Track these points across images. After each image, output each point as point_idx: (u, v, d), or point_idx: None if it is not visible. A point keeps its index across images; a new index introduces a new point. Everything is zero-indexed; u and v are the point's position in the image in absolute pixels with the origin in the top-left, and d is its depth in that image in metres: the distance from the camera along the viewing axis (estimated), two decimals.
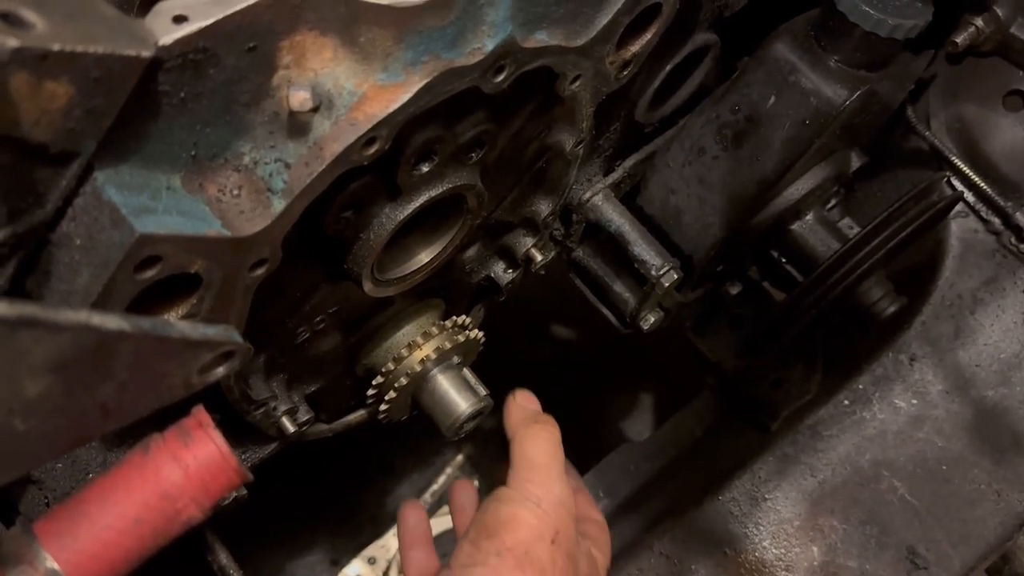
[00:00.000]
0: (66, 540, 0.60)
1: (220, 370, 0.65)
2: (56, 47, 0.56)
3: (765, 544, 1.31)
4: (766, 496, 1.33)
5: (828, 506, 1.31)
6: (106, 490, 0.62)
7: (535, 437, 0.94)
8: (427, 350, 1.10)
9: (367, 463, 1.91)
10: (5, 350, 0.49)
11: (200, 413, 0.65)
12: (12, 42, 0.53)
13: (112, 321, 0.54)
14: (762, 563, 1.29)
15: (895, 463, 1.32)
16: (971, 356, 1.35)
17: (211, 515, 0.67)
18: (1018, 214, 1.34)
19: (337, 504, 1.90)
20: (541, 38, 0.83)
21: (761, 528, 1.32)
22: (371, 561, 1.85)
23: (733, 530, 1.32)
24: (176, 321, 0.71)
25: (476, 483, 1.23)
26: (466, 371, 1.14)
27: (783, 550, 1.30)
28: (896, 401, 1.35)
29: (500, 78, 0.81)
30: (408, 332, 1.12)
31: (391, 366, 1.10)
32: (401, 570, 1.73)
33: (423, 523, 1.12)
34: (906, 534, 1.29)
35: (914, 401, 1.34)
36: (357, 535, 1.88)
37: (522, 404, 1.00)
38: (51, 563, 0.59)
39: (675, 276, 1.16)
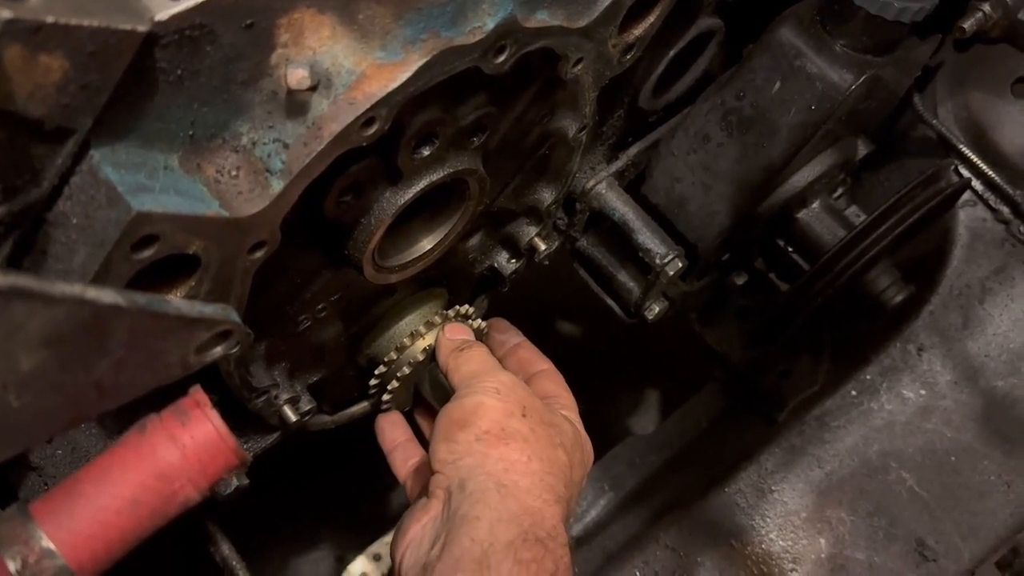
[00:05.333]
0: (62, 520, 0.59)
1: (218, 350, 0.65)
2: (50, 19, 0.55)
3: (772, 536, 1.30)
4: (773, 488, 1.32)
5: (836, 498, 1.30)
6: (102, 470, 0.61)
7: (467, 358, 0.99)
8: (430, 339, 1.09)
9: (373, 459, 1.90)
10: None
11: (198, 393, 0.64)
12: (5, 13, 0.53)
13: (107, 295, 0.53)
14: (769, 555, 1.28)
15: (903, 454, 1.31)
16: (980, 346, 1.33)
17: (208, 497, 0.66)
18: None
19: (343, 500, 1.89)
20: (542, 18, 0.83)
21: (768, 520, 1.31)
22: (376, 558, 1.84)
23: (740, 522, 1.31)
24: (172, 298, 0.70)
25: None
26: None
27: (790, 542, 1.29)
28: (904, 392, 1.34)
29: (501, 58, 0.81)
30: (411, 321, 1.11)
31: (393, 355, 1.09)
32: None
33: (398, 424, 1.13)
34: (915, 526, 1.28)
35: (922, 392, 1.33)
36: (362, 531, 1.87)
37: (450, 337, 1.04)
38: (47, 543, 0.59)
39: (679, 265, 1.15)
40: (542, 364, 1.07)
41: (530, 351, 1.11)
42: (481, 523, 0.80)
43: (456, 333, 1.05)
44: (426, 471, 0.93)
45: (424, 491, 0.91)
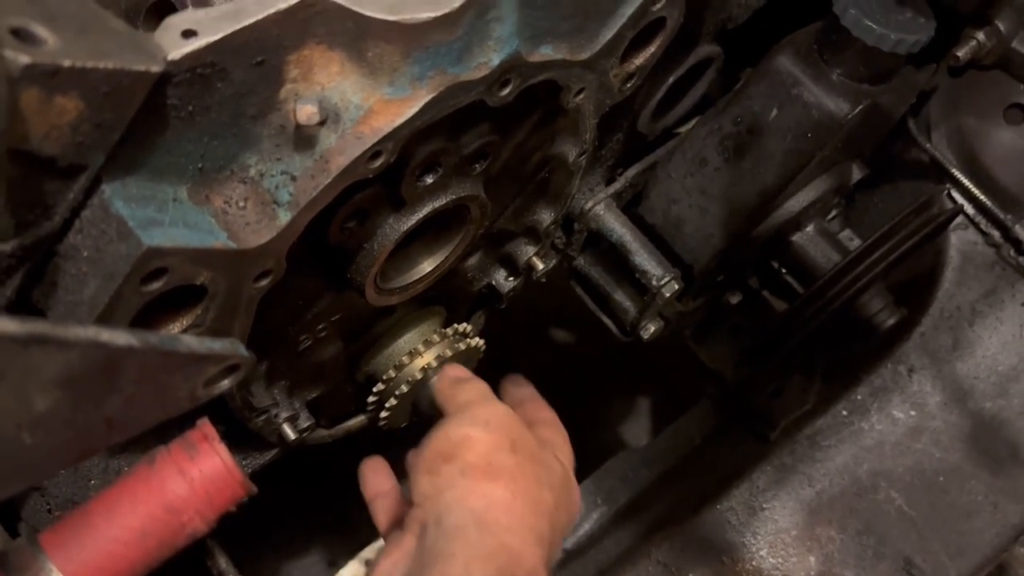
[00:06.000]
0: (72, 552, 0.60)
1: (225, 383, 0.66)
2: (67, 63, 0.56)
3: (762, 553, 1.31)
4: (764, 505, 1.33)
5: (825, 516, 1.32)
6: (111, 502, 0.62)
7: (464, 389, 0.96)
8: (428, 358, 1.10)
9: None
10: (15, 366, 0.49)
11: (205, 426, 0.65)
12: (24, 59, 0.54)
13: (121, 337, 0.54)
14: (759, 572, 1.30)
15: (893, 474, 1.32)
16: (969, 368, 1.35)
17: (215, 526, 0.67)
18: (1017, 227, 1.34)
19: (335, 506, 1.90)
20: (546, 52, 0.84)
21: (759, 537, 1.32)
22: (368, 563, 1.85)
23: (731, 539, 1.33)
24: (183, 336, 0.71)
25: None
26: None
27: (780, 559, 1.30)
28: (894, 412, 1.35)
29: (505, 92, 0.82)
30: (409, 340, 1.12)
31: (392, 373, 1.10)
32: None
33: (381, 471, 1.06)
34: (903, 545, 1.29)
35: (912, 412, 1.35)
36: (354, 537, 1.87)
37: (451, 374, 1.02)
38: (57, 575, 0.60)
39: (676, 286, 1.17)
40: (546, 414, 1.03)
41: (537, 402, 1.07)
42: (456, 560, 0.76)
43: (458, 371, 1.03)
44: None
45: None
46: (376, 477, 1.06)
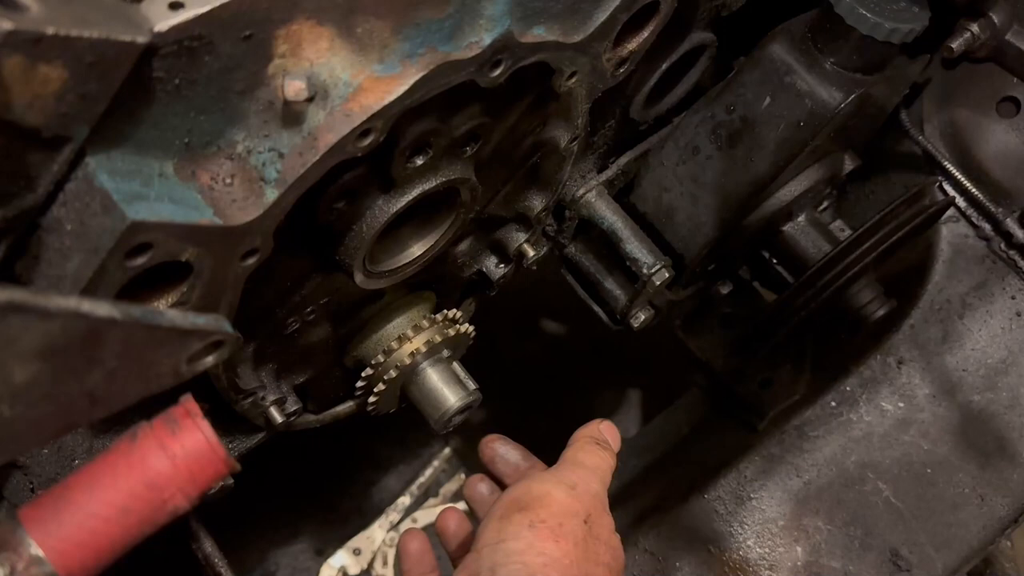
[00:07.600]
0: (51, 527, 0.60)
1: (209, 359, 0.65)
2: (51, 31, 0.55)
3: (749, 543, 1.31)
4: (751, 495, 1.33)
5: (813, 506, 1.32)
6: (92, 477, 0.62)
7: (592, 451, 0.93)
8: (417, 343, 1.10)
9: (354, 454, 1.91)
10: None
11: (188, 402, 0.64)
12: (6, 24, 0.53)
13: (102, 308, 0.53)
14: (746, 562, 1.30)
15: (880, 465, 1.33)
16: (958, 360, 1.35)
17: (197, 504, 0.67)
18: (1008, 220, 1.34)
19: (323, 494, 1.90)
20: (539, 33, 0.83)
21: (746, 527, 1.32)
22: (356, 552, 1.85)
23: (718, 528, 1.33)
24: (166, 310, 0.71)
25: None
26: (456, 365, 1.14)
27: (767, 549, 1.30)
28: (883, 404, 1.35)
29: (497, 72, 0.81)
30: (399, 325, 1.12)
31: (381, 358, 1.09)
32: (386, 563, 1.72)
33: (426, 553, 1.07)
34: (890, 536, 1.29)
35: (901, 404, 1.35)
36: (343, 525, 1.88)
37: (599, 427, 0.98)
38: (35, 550, 0.59)
39: (666, 274, 1.17)
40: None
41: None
42: None
43: (608, 431, 0.99)
44: None
45: None
46: (422, 557, 1.06)
